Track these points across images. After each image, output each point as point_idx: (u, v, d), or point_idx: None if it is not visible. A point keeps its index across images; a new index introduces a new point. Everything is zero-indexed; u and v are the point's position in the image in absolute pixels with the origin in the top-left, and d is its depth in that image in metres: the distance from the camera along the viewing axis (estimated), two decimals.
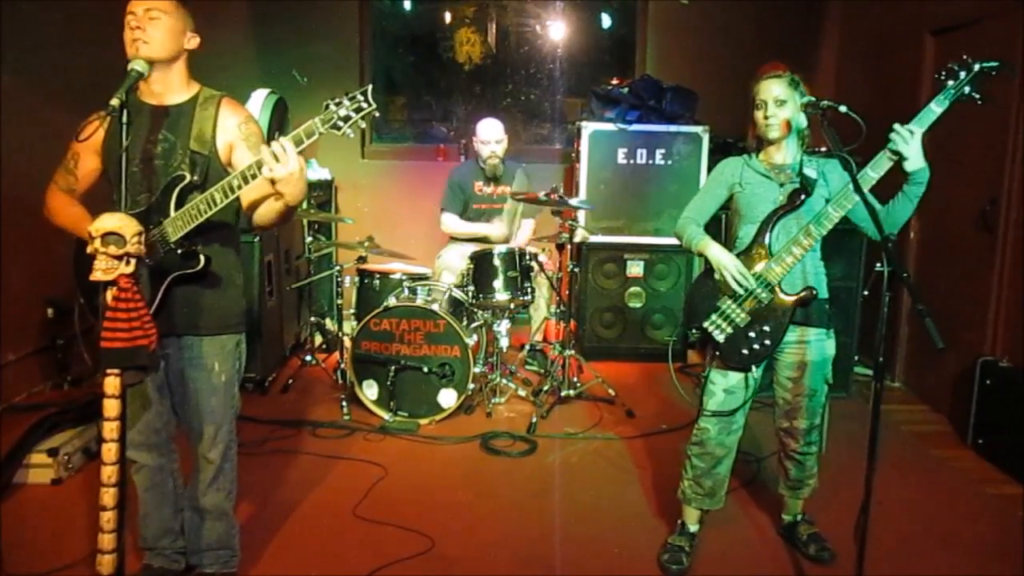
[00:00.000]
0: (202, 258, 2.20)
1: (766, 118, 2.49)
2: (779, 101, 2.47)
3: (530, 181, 4.88)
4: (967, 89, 2.22)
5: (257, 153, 2.17)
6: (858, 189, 2.24)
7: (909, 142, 2.26)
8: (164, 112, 2.24)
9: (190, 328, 2.30)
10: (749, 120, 2.59)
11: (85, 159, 2.27)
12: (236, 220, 2.38)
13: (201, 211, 2.12)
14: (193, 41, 2.26)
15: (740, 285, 2.51)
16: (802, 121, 2.51)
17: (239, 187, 2.08)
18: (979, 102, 2.22)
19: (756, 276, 2.50)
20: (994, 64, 2.20)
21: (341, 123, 2.01)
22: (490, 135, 4.69)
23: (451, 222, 4.77)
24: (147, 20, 2.14)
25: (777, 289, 2.49)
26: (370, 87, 2.03)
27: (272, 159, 1.99)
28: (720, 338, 2.56)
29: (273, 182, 2.03)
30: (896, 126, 2.28)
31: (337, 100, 2.01)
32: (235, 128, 2.26)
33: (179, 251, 2.17)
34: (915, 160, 2.29)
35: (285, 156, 1.99)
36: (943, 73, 2.25)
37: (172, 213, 2.15)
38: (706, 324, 2.58)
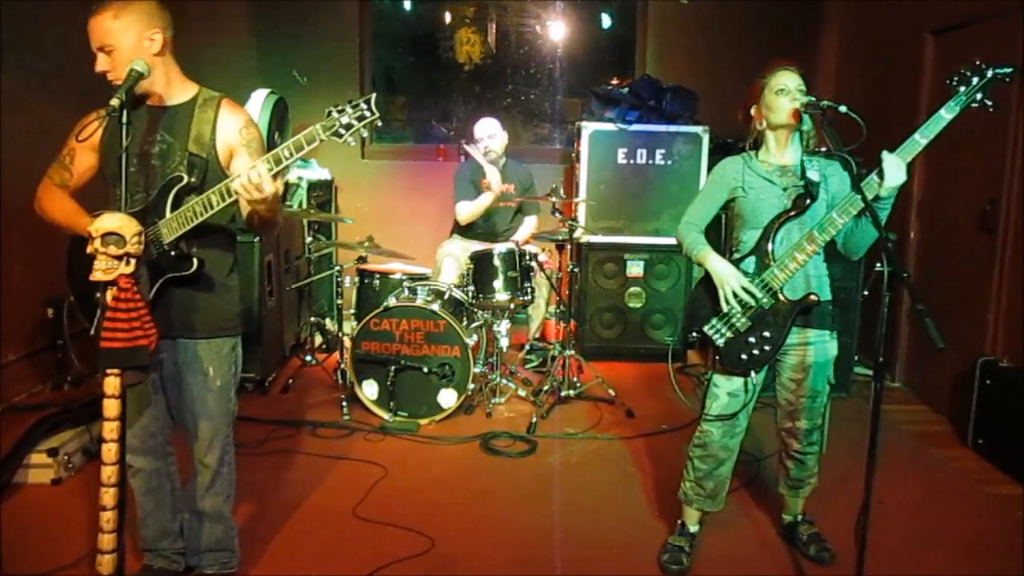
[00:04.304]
0: (195, 261, 2.19)
1: (792, 101, 2.42)
2: (800, 89, 2.44)
3: (534, 181, 4.90)
4: (979, 96, 2.17)
5: (259, 158, 2.17)
6: (858, 189, 2.23)
7: (898, 172, 2.22)
8: (162, 113, 2.22)
9: (185, 331, 2.29)
10: (759, 112, 2.53)
11: (81, 156, 2.26)
12: (233, 223, 2.37)
13: (197, 213, 2.12)
14: (156, 43, 2.14)
15: (738, 299, 2.48)
16: (808, 121, 2.50)
17: (227, 197, 2.08)
18: (990, 109, 2.17)
19: (759, 282, 2.49)
20: (1008, 70, 2.14)
21: (343, 130, 2.00)
22: (482, 131, 4.71)
23: (463, 207, 4.69)
24: (104, 57, 2.11)
25: (779, 295, 2.47)
26: (374, 96, 2.02)
27: (250, 185, 2.00)
28: (720, 343, 2.55)
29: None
30: (885, 155, 2.22)
31: (340, 107, 2.00)
32: (236, 133, 2.24)
33: (172, 253, 2.17)
34: (896, 179, 2.25)
35: (260, 183, 2.00)
36: (955, 79, 2.19)
37: (168, 214, 2.14)
38: (706, 328, 2.57)
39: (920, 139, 2.22)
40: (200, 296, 2.28)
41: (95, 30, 2.11)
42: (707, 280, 2.59)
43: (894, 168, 2.22)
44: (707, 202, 2.67)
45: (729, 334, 2.54)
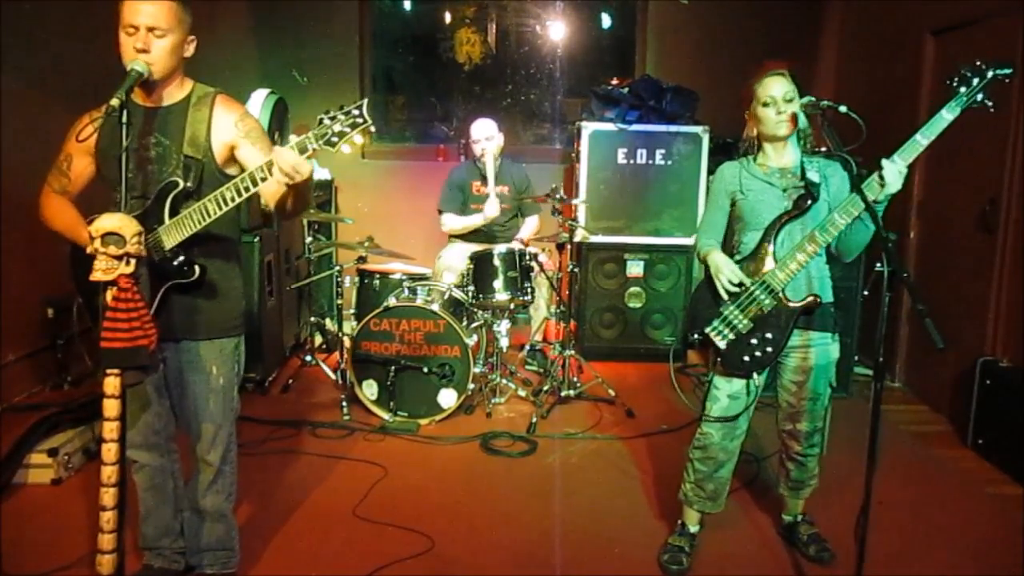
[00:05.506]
0: (197, 269, 2.18)
1: (778, 114, 2.44)
2: (787, 98, 2.44)
3: (531, 181, 4.89)
4: (979, 96, 2.17)
5: (263, 147, 2.15)
6: (858, 190, 2.23)
7: (898, 179, 2.23)
8: (157, 113, 2.20)
9: (188, 333, 2.29)
10: (752, 120, 2.55)
11: (78, 160, 2.24)
12: (236, 226, 2.37)
13: (196, 221, 2.11)
14: (191, 47, 2.19)
15: (733, 286, 2.49)
16: (803, 120, 2.50)
17: (232, 199, 2.06)
18: (991, 109, 2.17)
19: (760, 282, 2.48)
20: (1008, 71, 2.15)
21: (335, 138, 1.98)
22: (479, 133, 4.71)
23: (450, 221, 4.78)
24: (151, 39, 2.06)
25: (781, 296, 2.47)
26: (365, 101, 1.99)
27: (291, 171, 1.94)
28: (722, 344, 2.54)
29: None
30: (884, 163, 2.23)
31: (332, 114, 1.97)
32: (232, 127, 2.22)
33: (175, 261, 2.16)
34: (894, 186, 2.27)
35: (298, 165, 1.95)
36: (955, 79, 2.19)
37: (166, 220, 2.14)
38: (708, 330, 2.56)
39: (922, 140, 2.23)
40: (203, 299, 2.28)
41: (152, 7, 2.04)
42: (709, 282, 2.59)
43: (895, 176, 2.23)
44: (713, 210, 2.67)
45: (731, 335, 2.53)
